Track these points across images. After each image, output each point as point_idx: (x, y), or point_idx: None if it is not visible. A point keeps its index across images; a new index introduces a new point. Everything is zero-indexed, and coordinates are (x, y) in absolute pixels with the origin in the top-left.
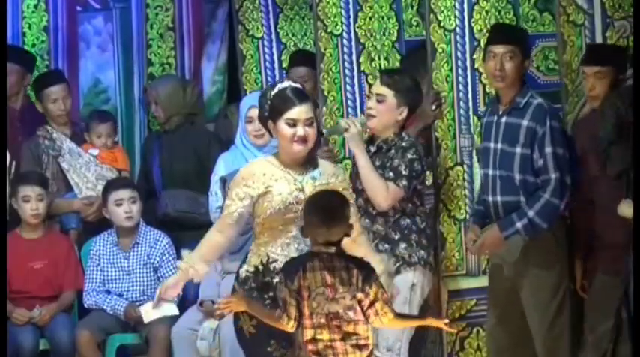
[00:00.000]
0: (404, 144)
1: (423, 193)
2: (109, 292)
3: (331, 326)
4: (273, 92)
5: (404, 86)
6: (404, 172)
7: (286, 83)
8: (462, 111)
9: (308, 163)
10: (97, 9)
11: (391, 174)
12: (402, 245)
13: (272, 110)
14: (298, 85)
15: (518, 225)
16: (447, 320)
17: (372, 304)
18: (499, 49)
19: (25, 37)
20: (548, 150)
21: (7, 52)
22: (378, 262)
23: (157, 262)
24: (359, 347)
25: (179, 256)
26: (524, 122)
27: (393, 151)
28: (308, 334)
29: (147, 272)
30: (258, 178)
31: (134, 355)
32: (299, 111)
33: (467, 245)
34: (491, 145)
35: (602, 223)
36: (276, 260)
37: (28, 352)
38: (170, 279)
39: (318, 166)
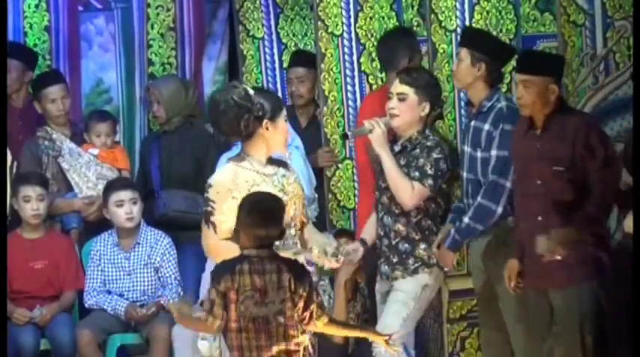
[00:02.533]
0: (429, 143)
1: (448, 194)
2: (109, 292)
3: (258, 331)
4: (254, 93)
5: (423, 82)
6: (429, 171)
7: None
8: (462, 111)
9: (275, 161)
10: (99, 9)
11: (417, 173)
12: (422, 246)
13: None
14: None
15: (452, 231)
16: (387, 338)
17: (306, 306)
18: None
19: (26, 37)
20: (493, 152)
21: (8, 49)
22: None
23: (158, 262)
24: (287, 353)
25: (179, 256)
26: (486, 126)
27: (417, 150)
28: (234, 338)
29: (147, 272)
30: (243, 187)
31: (135, 356)
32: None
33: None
34: (465, 148)
35: (525, 233)
36: None
37: (29, 352)
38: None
39: (285, 164)
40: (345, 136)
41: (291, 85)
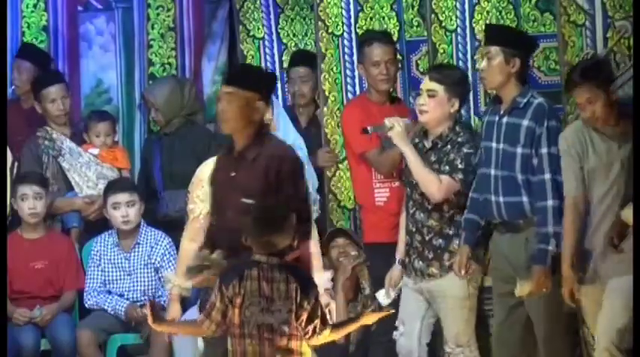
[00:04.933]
0: (460, 139)
1: None
2: (109, 292)
3: (262, 338)
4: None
5: (453, 79)
6: (460, 166)
7: None
8: (463, 111)
9: None
10: (99, 9)
11: (447, 167)
12: (456, 241)
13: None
14: None
15: (551, 247)
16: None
17: (310, 320)
18: (482, 50)
19: (24, 37)
20: (543, 150)
21: (20, 50)
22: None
23: (158, 262)
24: None
25: None
26: (525, 122)
27: (449, 146)
28: (237, 343)
29: (148, 273)
30: None
31: (135, 356)
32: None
33: (455, 268)
34: (493, 144)
35: None
36: None
37: (29, 352)
38: (170, 311)
39: None
40: (365, 131)
41: (293, 84)
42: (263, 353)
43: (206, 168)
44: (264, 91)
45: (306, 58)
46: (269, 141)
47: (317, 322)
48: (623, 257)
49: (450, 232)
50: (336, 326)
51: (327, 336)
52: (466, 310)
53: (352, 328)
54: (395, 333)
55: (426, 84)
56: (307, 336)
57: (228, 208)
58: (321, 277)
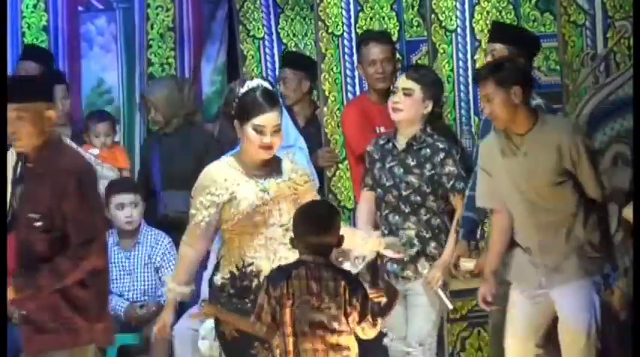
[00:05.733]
0: (440, 145)
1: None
2: (110, 292)
3: (315, 336)
4: (242, 90)
5: (430, 80)
6: (464, 174)
7: (256, 82)
8: (462, 111)
9: (269, 162)
10: (100, 9)
11: (461, 184)
12: (433, 244)
13: (240, 111)
14: (269, 86)
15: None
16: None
17: (363, 316)
18: (488, 47)
19: (24, 37)
20: None
21: (24, 52)
22: (368, 242)
23: (158, 262)
24: None
25: None
26: None
27: (428, 150)
28: (289, 342)
29: (148, 272)
30: (221, 185)
31: (135, 356)
32: (268, 118)
33: (454, 261)
34: None
35: None
36: (251, 263)
37: None
38: (162, 315)
39: (279, 165)
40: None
41: (279, 85)
42: (317, 350)
43: (213, 173)
44: (51, 97)
45: (292, 60)
46: (60, 153)
47: (369, 317)
48: None
49: (427, 236)
50: (384, 310)
51: (376, 330)
52: (435, 312)
53: (394, 299)
54: (385, 340)
55: (403, 82)
56: (359, 332)
57: (22, 223)
58: (372, 237)
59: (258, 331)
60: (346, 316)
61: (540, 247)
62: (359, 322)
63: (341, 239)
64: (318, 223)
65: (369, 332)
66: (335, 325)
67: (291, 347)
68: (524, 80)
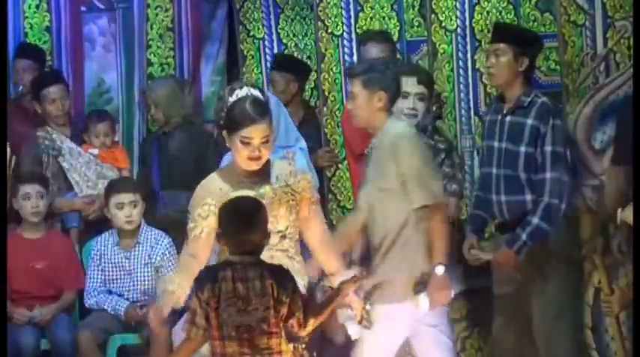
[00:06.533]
0: (442, 146)
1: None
2: (110, 292)
3: (241, 339)
4: (231, 99)
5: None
6: (460, 176)
7: (245, 91)
8: (463, 111)
9: (262, 171)
10: (102, 9)
11: (453, 186)
12: None
13: (228, 122)
14: (258, 94)
15: (524, 236)
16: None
17: (291, 314)
18: (490, 47)
19: (26, 38)
20: (547, 148)
21: (19, 50)
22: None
23: (158, 262)
24: None
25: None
26: (529, 121)
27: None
28: (218, 346)
29: (148, 272)
30: (215, 194)
31: (135, 356)
32: (256, 130)
33: (465, 255)
34: (495, 143)
35: None
36: None
37: (29, 352)
38: (159, 303)
39: (273, 171)
40: None
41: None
42: (243, 354)
43: (206, 185)
44: None
45: (279, 63)
46: None
47: (299, 314)
48: None
49: None
50: (318, 310)
51: (313, 324)
52: None
53: (334, 305)
54: None
55: (415, 87)
56: (294, 329)
57: None
58: (345, 276)
59: (194, 337)
60: (277, 313)
61: None
62: (286, 320)
63: (267, 235)
64: (242, 219)
65: (303, 330)
66: (264, 326)
67: (217, 350)
68: (392, 89)
